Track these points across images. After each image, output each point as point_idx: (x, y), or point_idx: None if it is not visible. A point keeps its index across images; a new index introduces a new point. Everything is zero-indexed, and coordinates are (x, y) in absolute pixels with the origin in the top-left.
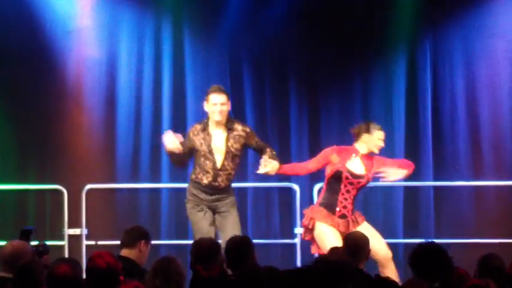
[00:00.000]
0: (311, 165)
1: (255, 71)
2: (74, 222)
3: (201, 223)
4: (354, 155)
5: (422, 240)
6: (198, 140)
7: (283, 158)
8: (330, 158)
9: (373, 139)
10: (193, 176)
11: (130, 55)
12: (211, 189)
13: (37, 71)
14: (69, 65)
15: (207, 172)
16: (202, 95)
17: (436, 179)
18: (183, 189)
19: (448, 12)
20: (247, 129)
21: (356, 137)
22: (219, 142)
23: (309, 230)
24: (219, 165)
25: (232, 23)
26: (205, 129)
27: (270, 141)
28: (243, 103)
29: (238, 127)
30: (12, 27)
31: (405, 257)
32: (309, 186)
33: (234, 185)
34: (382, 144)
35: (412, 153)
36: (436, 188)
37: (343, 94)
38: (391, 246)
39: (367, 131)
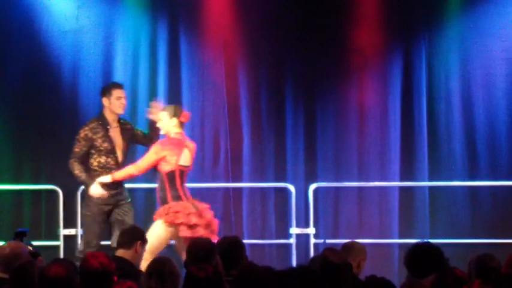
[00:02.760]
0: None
1: (250, 71)
2: (70, 223)
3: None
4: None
5: (418, 241)
6: (99, 138)
7: (279, 159)
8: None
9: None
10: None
11: (126, 55)
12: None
13: (33, 71)
14: (65, 65)
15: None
16: (198, 95)
17: (431, 179)
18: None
19: (444, 12)
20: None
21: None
22: (117, 138)
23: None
24: (120, 160)
25: (227, 22)
26: (103, 125)
27: (266, 142)
28: (238, 103)
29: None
30: (9, 28)
31: (400, 257)
32: (304, 187)
33: (229, 184)
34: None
35: (407, 154)
36: (431, 188)
37: (338, 95)
38: (387, 246)
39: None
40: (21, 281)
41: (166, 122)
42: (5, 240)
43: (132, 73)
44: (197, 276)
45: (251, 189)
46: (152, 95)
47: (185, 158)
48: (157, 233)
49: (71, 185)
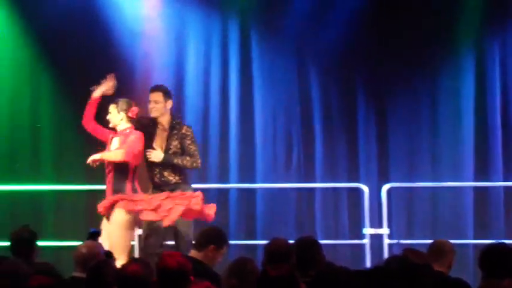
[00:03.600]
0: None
1: (322, 72)
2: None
3: None
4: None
5: (493, 241)
6: None
7: (351, 159)
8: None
9: None
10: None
11: (197, 56)
12: None
13: (106, 74)
14: (137, 67)
15: None
16: (270, 97)
17: (506, 179)
18: (251, 190)
19: None
20: None
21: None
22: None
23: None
24: None
25: (299, 26)
26: None
27: (338, 143)
28: (310, 104)
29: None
30: (81, 30)
31: (475, 258)
32: (377, 187)
33: (301, 185)
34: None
35: (481, 154)
36: (506, 188)
37: (410, 96)
38: (461, 247)
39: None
40: (97, 280)
41: (114, 116)
42: (81, 241)
43: (203, 74)
44: (272, 276)
45: (324, 189)
46: (224, 96)
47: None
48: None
49: None
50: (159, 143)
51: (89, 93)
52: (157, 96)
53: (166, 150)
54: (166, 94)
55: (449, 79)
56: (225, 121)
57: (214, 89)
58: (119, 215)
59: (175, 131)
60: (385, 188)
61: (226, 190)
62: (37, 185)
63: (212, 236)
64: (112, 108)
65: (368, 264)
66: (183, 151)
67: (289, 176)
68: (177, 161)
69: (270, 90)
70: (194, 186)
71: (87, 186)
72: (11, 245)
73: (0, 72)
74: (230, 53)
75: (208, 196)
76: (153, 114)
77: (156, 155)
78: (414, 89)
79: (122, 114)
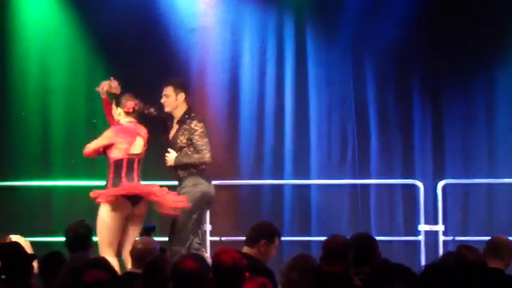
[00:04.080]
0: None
1: (377, 68)
2: None
3: None
4: None
5: None
6: None
7: (406, 155)
8: None
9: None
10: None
11: (252, 52)
12: None
13: (161, 69)
14: (193, 63)
15: None
16: (326, 92)
17: None
18: (306, 186)
19: None
20: None
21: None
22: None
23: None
24: None
25: (355, 23)
26: None
27: (393, 139)
28: (365, 100)
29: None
30: (136, 26)
31: None
32: (433, 183)
33: (356, 181)
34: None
35: None
36: None
37: (466, 92)
38: None
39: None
40: (154, 276)
41: (114, 111)
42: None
43: (258, 70)
44: (325, 272)
45: (379, 185)
46: (279, 92)
47: (136, 147)
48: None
49: None
50: (170, 137)
51: (144, 89)
52: (168, 90)
53: (172, 145)
54: (177, 87)
55: (506, 75)
56: (279, 117)
57: (269, 85)
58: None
59: (184, 126)
60: (441, 184)
61: (281, 186)
62: (93, 181)
63: (262, 230)
64: (113, 104)
65: (423, 261)
66: (193, 146)
67: (343, 172)
68: (187, 161)
69: (325, 86)
70: (249, 182)
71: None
72: (67, 240)
73: (56, 68)
74: (285, 49)
75: (263, 192)
76: (166, 109)
77: (171, 159)
78: (470, 85)
79: (119, 110)
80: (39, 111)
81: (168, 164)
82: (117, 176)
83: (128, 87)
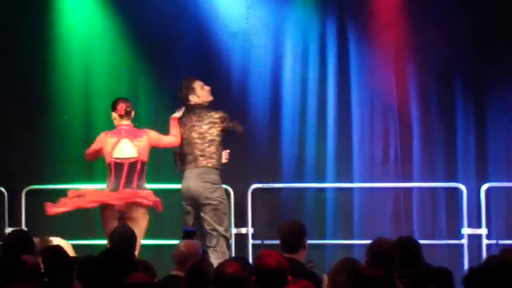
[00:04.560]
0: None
1: (420, 68)
2: (240, 222)
3: None
4: None
5: None
6: None
7: (449, 158)
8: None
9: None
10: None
11: (295, 54)
12: None
13: (203, 73)
14: (235, 66)
15: None
16: (368, 94)
17: None
18: (348, 189)
19: None
20: None
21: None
22: None
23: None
24: None
25: (397, 20)
26: None
27: (436, 141)
28: (407, 102)
29: None
30: (178, 29)
31: None
32: (476, 186)
33: (399, 184)
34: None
35: None
36: None
37: (510, 94)
38: None
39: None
40: (197, 279)
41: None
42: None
43: (301, 73)
44: (367, 275)
45: (421, 188)
46: (321, 94)
47: (121, 150)
48: None
49: (242, 184)
50: None
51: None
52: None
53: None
54: None
55: None
56: (322, 119)
57: (311, 87)
58: None
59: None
60: (484, 187)
61: (323, 189)
62: None
63: (299, 230)
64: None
65: (466, 264)
66: None
67: (386, 175)
68: None
69: (367, 88)
70: (292, 185)
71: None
72: (111, 242)
73: (98, 72)
74: (327, 51)
75: (305, 195)
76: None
77: None
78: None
79: (114, 114)
80: (82, 114)
81: None
82: (115, 179)
83: (169, 91)
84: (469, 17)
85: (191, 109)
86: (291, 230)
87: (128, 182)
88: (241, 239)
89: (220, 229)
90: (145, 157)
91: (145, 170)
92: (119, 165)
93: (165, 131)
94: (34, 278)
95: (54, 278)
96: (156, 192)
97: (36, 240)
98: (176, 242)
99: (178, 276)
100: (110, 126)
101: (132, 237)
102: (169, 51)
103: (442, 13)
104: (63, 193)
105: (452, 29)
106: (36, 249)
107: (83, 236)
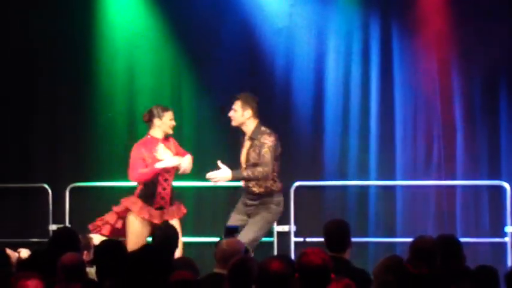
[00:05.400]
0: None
1: (463, 66)
2: (283, 220)
3: None
4: (158, 143)
5: None
6: None
7: (492, 156)
8: (142, 156)
9: (165, 122)
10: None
11: (338, 52)
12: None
13: (247, 70)
14: (278, 63)
15: None
16: (411, 93)
17: None
18: (391, 187)
19: None
20: None
21: (149, 124)
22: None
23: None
24: None
25: (441, 18)
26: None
27: (479, 139)
28: (451, 100)
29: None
30: (222, 27)
31: None
32: None
33: (442, 182)
34: (173, 123)
35: None
36: None
37: None
38: None
39: (157, 116)
40: (240, 276)
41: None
42: (221, 237)
43: (344, 71)
44: (413, 273)
45: (464, 187)
46: (365, 92)
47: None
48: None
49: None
50: (243, 154)
51: (230, 91)
52: (235, 104)
53: (246, 162)
54: (245, 103)
55: None
56: (365, 117)
57: (354, 85)
58: None
59: (256, 142)
60: None
61: (366, 187)
62: (178, 182)
63: (345, 230)
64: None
65: (509, 262)
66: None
67: (429, 173)
68: (248, 174)
69: (411, 86)
70: (335, 183)
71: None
72: (154, 239)
73: (142, 70)
74: (371, 49)
75: (347, 192)
76: (232, 123)
77: (223, 175)
78: None
79: (166, 117)
80: (125, 112)
81: (221, 181)
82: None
83: (213, 89)
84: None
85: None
86: (336, 229)
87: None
88: (284, 236)
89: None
90: None
91: None
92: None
93: (209, 127)
94: (78, 276)
95: (105, 274)
96: (200, 189)
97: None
98: (218, 239)
99: (221, 274)
100: None
101: (174, 235)
102: (213, 49)
103: (487, 9)
104: (106, 191)
105: (496, 25)
106: (82, 247)
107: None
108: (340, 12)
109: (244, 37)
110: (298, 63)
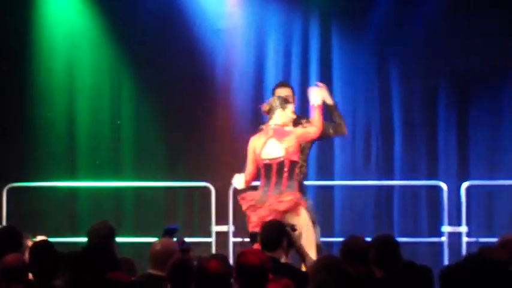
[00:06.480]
0: (248, 171)
1: (402, 68)
2: (221, 219)
3: None
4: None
5: None
6: None
7: (430, 156)
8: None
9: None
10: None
11: (277, 53)
12: None
13: (186, 70)
14: (218, 64)
15: None
16: (351, 93)
17: None
18: (329, 187)
19: None
20: None
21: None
22: None
23: None
24: None
25: (380, 21)
26: None
27: (417, 139)
28: (390, 100)
29: None
30: (160, 27)
31: None
32: (457, 185)
33: (380, 182)
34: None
35: None
36: None
37: (493, 94)
38: None
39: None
40: (180, 277)
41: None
42: (159, 237)
43: (283, 71)
44: (350, 274)
45: (403, 187)
46: (304, 94)
47: (267, 151)
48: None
49: (222, 182)
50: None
51: (169, 91)
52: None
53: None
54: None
55: None
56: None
57: (295, 85)
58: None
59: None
60: (465, 185)
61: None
62: (118, 182)
63: (280, 229)
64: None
65: (446, 262)
66: None
67: (367, 174)
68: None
69: (350, 87)
70: None
71: (167, 183)
72: (89, 240)
73: (81, 69)
74: (310, 50)
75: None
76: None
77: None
78: (497, 86)
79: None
80: (64, 112)
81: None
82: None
83: (152, 89)
84: (451, 20)
85: None
86: (270, 228)
87: (278, 184)
88: (222, 236)
89: None
90: (294, 157)
91: (296, 170)
92: (268, 166)
93: (148, 125)
94: (20, 277)
95: (40, 275)
96: (139, 189)
97: None
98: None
99: (154, 275)
100: (92, 123)
101: (109, 235)
102: (152, 48)
103: (426, 12)
104: (45, 191)
105: (435, 32)
106: (24, 247)
107: (67, 233)
108: (280, 13)
109: (183, 37)
110: (238, 64)
